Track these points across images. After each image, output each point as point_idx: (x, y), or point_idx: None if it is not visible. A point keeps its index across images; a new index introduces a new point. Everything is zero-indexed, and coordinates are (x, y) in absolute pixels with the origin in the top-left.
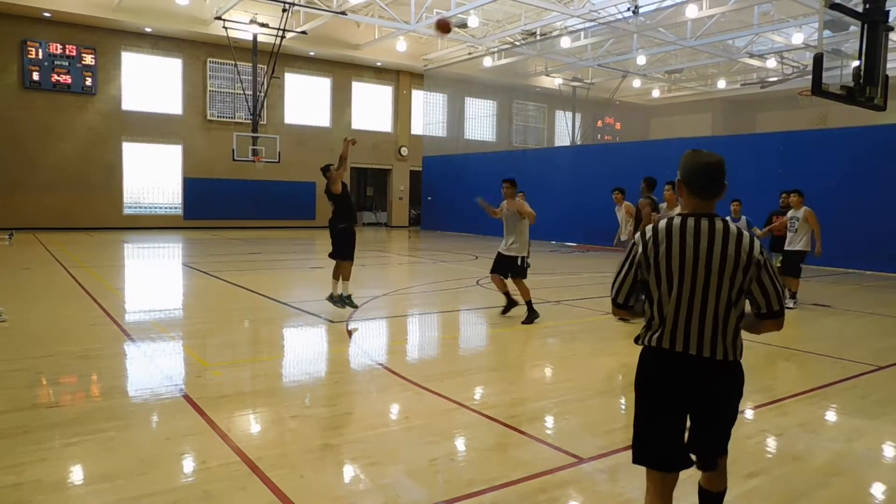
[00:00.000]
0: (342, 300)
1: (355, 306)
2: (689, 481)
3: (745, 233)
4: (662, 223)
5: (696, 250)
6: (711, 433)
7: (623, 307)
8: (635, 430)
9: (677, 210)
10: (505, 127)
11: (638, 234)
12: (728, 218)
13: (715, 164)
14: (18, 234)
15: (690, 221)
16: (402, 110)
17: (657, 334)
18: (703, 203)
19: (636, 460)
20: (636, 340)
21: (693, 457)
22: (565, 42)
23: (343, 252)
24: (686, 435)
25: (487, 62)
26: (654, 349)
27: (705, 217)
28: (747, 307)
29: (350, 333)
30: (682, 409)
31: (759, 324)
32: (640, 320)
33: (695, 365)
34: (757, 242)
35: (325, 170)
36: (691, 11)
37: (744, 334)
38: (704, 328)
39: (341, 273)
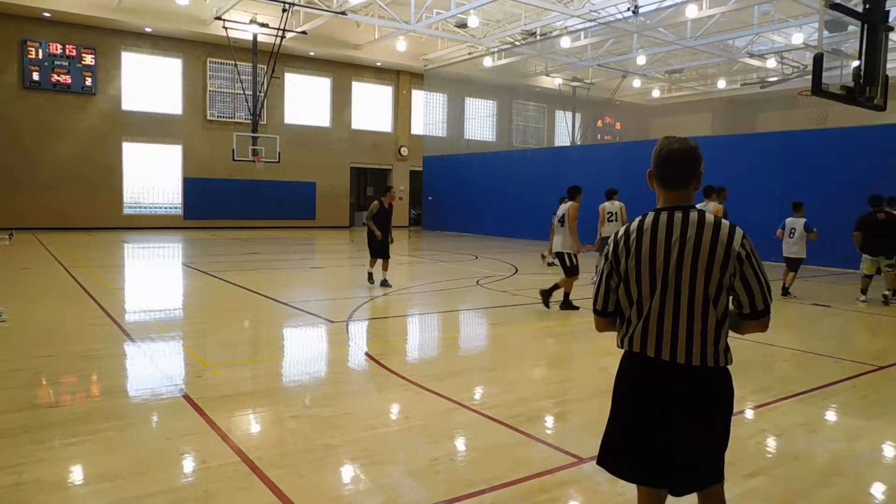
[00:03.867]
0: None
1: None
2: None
3: (725, 223)
4: (637, 220)
5: (667, 245)
6: (684, 453)
7: (603, 314)
8: (605, 430)
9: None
10: (505, 127)
11: (614, 234)
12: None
13: (680, 151)
14: (18, 234)
15: (663, 216)
16: (402, 110)
17: (629, 336)
18: (674, 194)
19: (598, 461)
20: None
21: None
22: (565, 42)
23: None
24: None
25: (487, 62)
26: (628, 353)
27: (679, 209)
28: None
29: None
30: (655, 421)
31: (741, 325)
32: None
33: (668, 372)
34: (738, 233)
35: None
36: (691, 11)
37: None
38: (678, 330)
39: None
